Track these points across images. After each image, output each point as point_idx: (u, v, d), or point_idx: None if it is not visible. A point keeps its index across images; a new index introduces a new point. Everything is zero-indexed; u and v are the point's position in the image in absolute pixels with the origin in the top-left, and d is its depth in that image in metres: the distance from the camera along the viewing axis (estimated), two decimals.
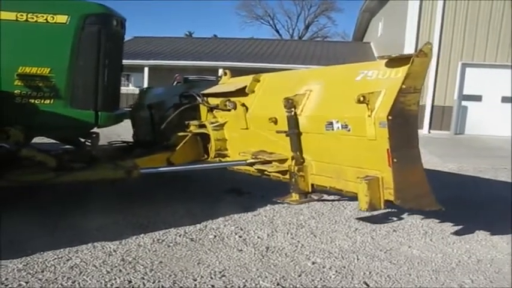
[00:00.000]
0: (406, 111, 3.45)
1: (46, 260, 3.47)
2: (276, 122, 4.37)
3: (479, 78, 16.15)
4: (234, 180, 5.69)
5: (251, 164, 4.65)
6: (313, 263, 3.71)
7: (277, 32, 57.23)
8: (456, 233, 4.62)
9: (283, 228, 4.52)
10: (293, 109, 4.16)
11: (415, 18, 16.33)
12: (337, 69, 4.56)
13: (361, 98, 3.46)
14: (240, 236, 4.24)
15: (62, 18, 4.10)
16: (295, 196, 4.32)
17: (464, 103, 16.34)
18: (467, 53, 16.13)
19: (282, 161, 4.44)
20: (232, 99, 4.87)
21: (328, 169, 4.09)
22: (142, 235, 4.11)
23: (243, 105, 4.82)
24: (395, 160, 3.43)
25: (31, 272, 3.27)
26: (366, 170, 3.66)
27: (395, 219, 4.93)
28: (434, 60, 16.19)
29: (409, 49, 16.40)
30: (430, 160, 10.13)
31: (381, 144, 3.45)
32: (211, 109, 5.20)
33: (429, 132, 16.46)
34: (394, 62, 3.57)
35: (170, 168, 5.01)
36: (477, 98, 16.29)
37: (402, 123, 3.46)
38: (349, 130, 3.73)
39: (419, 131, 16.05)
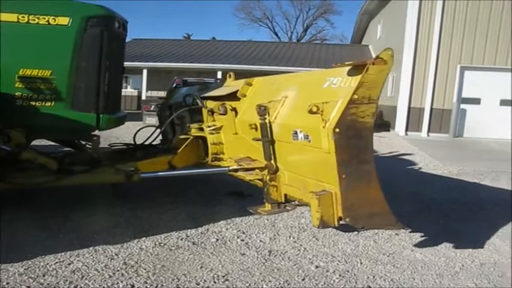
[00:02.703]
0: (359, 124, 3.19)
1: (47, 263, 3.45)
2: (256, 129, 4.23)
3: (478, 82, 16.14)
4: (235, 183, 5.66)
5: (235, 171, 4.56)
6: (317, 266, 3.69)
7: (276, 34, 57.44)
8: (458, 237, 4.60)
9: (285, 232, 4.50)
10: (266, 116, 4.03)
11: (415, 19, 16.30)
12: (309, 75, 4.42)
13: (314, 109, 3.29)
14: (242, 240, 4.22)
15: (63, 20, 4.07)
16: (267, 206, 4.23)
17: (463, 106, 16.31)
18: (466, 56, 16.12)
19: (262, 168, 4.31)
20: (227, 103, 4.82)
21: (296, 180, 3.95)
22: (144, 238, 4.09)
23: (234, 109, 4.74)
24: (343, 176, 3.21)
25: (32, 276, 3.24)
26: (324, 183, 3.45)
27: None
28: (433, 63, 16.24)
29: (408, 52, 16.43)
30: (430, 163, 10.15)
31: (334, 157, 3.22)
32: (211, 112, 5.18)
33: (428, 135, 16.44)
34: (355, 69, 3.35)
35: (169, 173, 4.96)
36: (476, 101, 16.29)
37: (353, 136, 3.22)
38: (309, 141, 3.55)
39: (418, 134, 16.19)
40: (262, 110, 4.02)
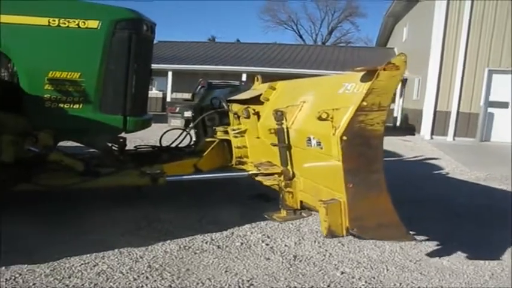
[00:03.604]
0: (367, 132, 3.10)
1: (72, 265, 3.47)
2: (275, 133, 4.13)
3: (506, 85, 15.85)
4: (260, 186, 5.65)
5: (255, 175, 4.50)
6: (342, 272, 3.65)
7: (301, 37, 57.32)
8: (486, 243, 4.52)
9: (310, 237, 4.47)
10: (283, 121, 3.96)
11: (442, 20, 16.07)
12: (327, 80, 4.32)
13: (324, 115, 3.21)
14: (267, 244, 4.20)
15: (93, 24, 4.11)
16: (283, 212, 4.15)
17: (490, 110, 16.05)
18: (494, 59, 15.84)
19: (279, 174, 4.21)
20: (251, 106, 4.77)
21: (310, 187, 3.87)
22: (168, 241, 4.09)
23: (257, 113, 4.68)
24: (350, 185, 3.11)
25: (58, 277, 3.27)
26: (334, 192, 3.33)
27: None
28: (460, 66, 16.01)
29: (434, 54, 16.24)
30: (456, 168, 10.00)
31: (341, 165, 3.15)
32: (237, 116, 5.16)
33: (454, 140, 16.22)
34: (368, 75, 3.23)
35: (192, 177, 4.96)
36: (504, 105, 15.99)
37: (361, 144, 3.12)
38: (322, 148, 3.46)
39: (444, 138, 15.97)
40: (279, 115, 3.95)
